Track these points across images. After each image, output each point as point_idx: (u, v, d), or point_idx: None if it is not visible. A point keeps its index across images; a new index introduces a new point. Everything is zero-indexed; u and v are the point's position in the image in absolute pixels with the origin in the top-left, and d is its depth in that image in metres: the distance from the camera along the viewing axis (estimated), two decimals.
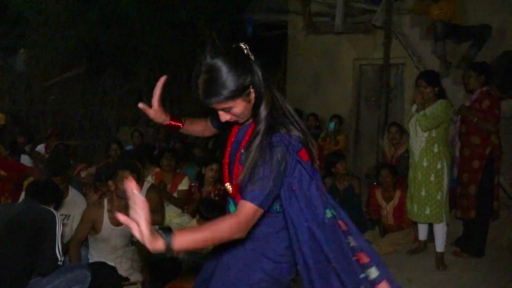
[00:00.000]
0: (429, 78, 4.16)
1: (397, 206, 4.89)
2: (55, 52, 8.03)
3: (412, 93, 5.22)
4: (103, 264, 3.69)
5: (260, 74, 1.70)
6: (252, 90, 1.69)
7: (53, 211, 3.08)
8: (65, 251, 3.77)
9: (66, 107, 8.29)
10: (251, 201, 1.61)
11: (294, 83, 7.96)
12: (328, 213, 1.77)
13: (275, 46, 8.53)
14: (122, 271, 3.71)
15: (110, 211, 3.70)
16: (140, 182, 4.34)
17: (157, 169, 5.27)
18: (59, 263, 3.03)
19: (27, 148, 6.65)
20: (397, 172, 5.01)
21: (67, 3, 7.75)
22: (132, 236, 3.72)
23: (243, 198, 1.63)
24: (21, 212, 3.00)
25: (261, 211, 1.64)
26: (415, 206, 4.31)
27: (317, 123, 7.21)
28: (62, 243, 3.11)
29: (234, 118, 1.75)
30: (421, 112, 4.06)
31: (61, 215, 4.07)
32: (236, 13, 8.02)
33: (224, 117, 1.74)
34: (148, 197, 4.30)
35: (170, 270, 3.88)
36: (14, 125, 7.40)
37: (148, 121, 8.07)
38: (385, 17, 5.76)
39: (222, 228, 1.59)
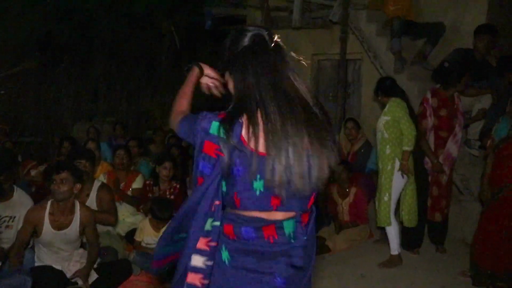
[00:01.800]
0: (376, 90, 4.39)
1: (353, 203, 4.94)
2: (5, 44, 7.69)
3: (369, 89, 5.29)
4: (49, 267, 3.53)
5: (252, 73, 1.57)
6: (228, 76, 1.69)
7: None
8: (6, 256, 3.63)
9: (18, 102, 7.96)
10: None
11: None
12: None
13: None
14: (70, 274, 3.57)
15: (52, 213, 3.53)
16: (89, 180, 4.20)
17: (108, 167, 5.13)
18: None
19: None
20: (352, 168, 5.04)
21: None
22: (78, 239, 3.62)
23: None
24: None
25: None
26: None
27: None
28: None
29: None
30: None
31: (5, 216, 3.93)
32: (194, 7, 7.86)
33: None
34: (99, 196, 4.16)
35: (121, 271, 3.78)
36: None
37: (105, 117, 7.88)
38: (341, 12, 5.76)
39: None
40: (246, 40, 1.66)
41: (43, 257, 3.60)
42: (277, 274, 1.59)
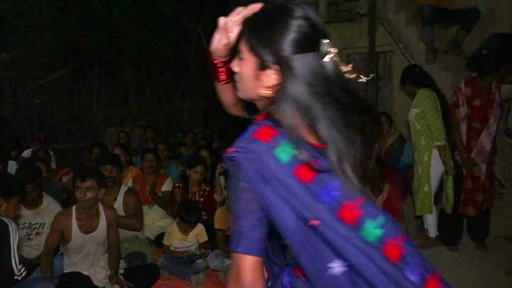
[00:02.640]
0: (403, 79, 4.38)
1: (387, 200, 4.72)
2: (38, 54, 7.88)
3: None
4: (77, 273, 3.54)
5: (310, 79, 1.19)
6: (272, 71, 1.22)
7: (5, 220, 2.86)
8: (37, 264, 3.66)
9: (52, 110, 8.14)
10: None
11: None
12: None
13: None
14: (97, 281, 3.57)
15: (79, 219, 3.55)
16: (116, 185, 4.21)
17: (137, 171, 5.12)
18: (16, 277, 2.79)
19: (13, 154, 6.53)
20: (384, 164, 4.84)
21: (48, 4, 7.58)
22: (105, 240, 3.62)
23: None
24: None
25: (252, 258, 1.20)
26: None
27: None
28: (20, 255, 2.92)
29: (236, 76, 1.34)
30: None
31: (35, 223, 3.98)
32: (220, 7, 7.81)
33: (233, 64, 1.33)
34: (125, 201, 4.16)
35: (149, 275, 3.75)
36: (0, 130, 7.27)
37: (136, 121, 7.95)
38: (369, 3, 5.55)
39: None
40: (293, 29, 1.20)
41: (72, 264, 3.62)
42: None
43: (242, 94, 1.34)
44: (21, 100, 8.09)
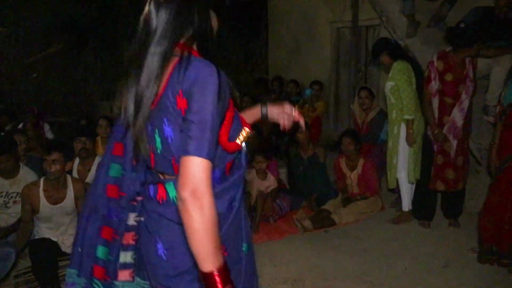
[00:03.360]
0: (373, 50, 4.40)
1: (361, 175, 4.75)
2: (33, 29, 7.97)
3: None
4: (44, 239, 3.65)
5: None
6: None
7: None
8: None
9: (48, 84, 8.26)
10: None
11: (276, 50, 7.74)
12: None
13: (256, 13, 8.25)
14: (65, 247, 3.68)
15: (46, 190, 3.65)
16: (90, 156, 4.31)
17: None
18: None
19: (8, 128, 6.65)
20: (361, 139, 4.83)
21: None
22: (74, 210, 3.73)
23: None
24: None
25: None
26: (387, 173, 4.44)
27: (298, 90, 7.02)
28: None
29: None
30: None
31: (12, 192, 4.11)
32: None
33: None
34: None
35: None
36: None
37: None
38: None
39: None
40: None
41: (41, 232, 3.74)
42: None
43: None
44: (18, 75, 8.22)
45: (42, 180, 3.70)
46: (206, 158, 1.26)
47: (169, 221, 1.42)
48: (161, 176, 1.47)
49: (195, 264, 1.28)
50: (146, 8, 1.38)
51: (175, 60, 1.35)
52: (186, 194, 1.23)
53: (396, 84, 4.11)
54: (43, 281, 3.26)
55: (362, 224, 4.54)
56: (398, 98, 4.15)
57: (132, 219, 1.62)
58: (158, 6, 1.38)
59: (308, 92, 6.58)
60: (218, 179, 1.45)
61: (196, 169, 1.25)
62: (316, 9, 6.67)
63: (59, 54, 8.25)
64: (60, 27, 8.07)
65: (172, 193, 1.42)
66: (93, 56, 8.38)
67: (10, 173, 4.08)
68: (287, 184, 5.38)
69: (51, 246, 3.61)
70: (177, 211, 1.28)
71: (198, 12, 1.43)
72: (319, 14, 6.68)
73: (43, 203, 3.63)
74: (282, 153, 5.84)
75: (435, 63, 3.97)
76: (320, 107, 6.59)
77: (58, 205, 3.65)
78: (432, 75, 3.97)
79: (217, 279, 1.23)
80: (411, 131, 4.11)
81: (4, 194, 4.07)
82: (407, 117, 4.07)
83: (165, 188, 1.44)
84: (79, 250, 1.66)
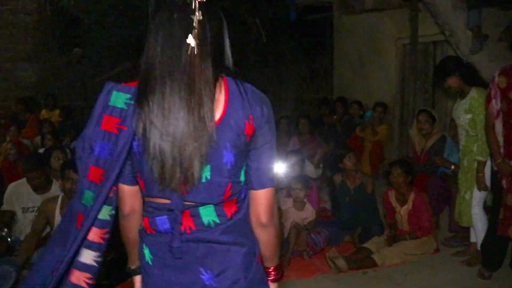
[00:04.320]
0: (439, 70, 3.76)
1: (412, 211, 4.14)
2: (105, 49, 8.34)
3: None
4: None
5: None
6: None
7: None
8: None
9: None
10: None
11: (341, 69, 7.29)
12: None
13: (322, 31, 7.87)
14: None
15: (62, 208, 3.61)
16: None
17: None
18: None
19: (74, 143, 6.91)
20: (412, 170, 4.23)
21: (114, 2, 7.96)
22: None
23: None
24: None
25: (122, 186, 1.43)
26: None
27: (361, 112, 6.52)
28: None
29: None
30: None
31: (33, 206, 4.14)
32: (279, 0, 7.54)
33: None
34: None
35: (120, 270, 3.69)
36: (67, 120, 7.79)
37: None
38: None
39: None
40: None
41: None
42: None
43: None
44: (90, 92, 8.63)
45: (60, 197, 3.68)
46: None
47: (222, 245, 1.35)
48: (190, 203, 1.32)
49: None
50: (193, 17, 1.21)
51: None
52: (269, 221, 1.38)
53: (474, 118, 3.54)
54: None
55: (409, 267, 3.93)
56: (480, 131, 3.53)
57: (89, 258, 1.43)
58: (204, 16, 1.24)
59: (368, 114, 6.06)
60: None
61: (273, 198, 1.40)
62: (381, 25, 6.15)
63: (126, 73, 8.54)
64: (128, 47, 8.35)
65: (209, 217, 1.34)
66: None
67: (43, 189, 4.15)
68: (332, 216, 4.90)
69: None
70: (229, 232, 1.35)
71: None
72: (384, 30, 6.15)
73: (57, 220, 3.60)
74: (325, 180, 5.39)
75: (496, 79, 3.30)
76: (383, 131, 6.02)
77: None
78: (493, 93, 3.30)
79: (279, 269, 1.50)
80: (481, 174, 3.52)
81: (35, 209, 4.13)
82: (480, 158, 3.50)
83: (195, 215, 1.33)
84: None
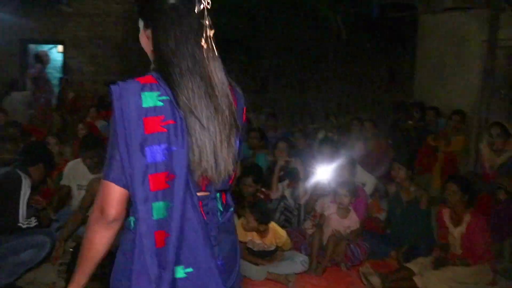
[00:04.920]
0: None
1: (465, 234, 3.71)
2: None
3: None
4: None
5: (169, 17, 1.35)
6: (143, 24, 1.43)
7: (22, 174, 3.25)
8: None
9: None
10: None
11: (422, 71, 6.78)
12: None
13: (404, 29, 7.36)
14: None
15: None
16: None
17: None
18: (19, 224, 3.21)
19: None
20: (470, 188, 3.78)
21: None
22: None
23: None
24: None
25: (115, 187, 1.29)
26: None
27: (438, 119, 6.04)
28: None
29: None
30: None
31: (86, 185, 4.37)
32: None
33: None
34: None
35: None
36: None
37: (261, 107, 7.99)
38: None
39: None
40: None
41: None
42: None
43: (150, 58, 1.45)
44: None
45: None
46: None
47: (229, 233, 1.48)
48: (204, 194, 1.40)
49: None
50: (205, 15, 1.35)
51: None
52: None
53: None
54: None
55: None
56: None
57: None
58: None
59: (442, 122, 5.57)
60: None
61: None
62: (464, 25, 5.60)
63: None
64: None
65: (213, 206, 1.42)
66: (238, 68, 8.63)
67: (96, 169, 4.37)
68: (383, 228, 4.57)
69: None
70: (231, 219, 1.48)
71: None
72: (468, 31, 5.59)
73: None
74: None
75: None
76: (459, 142, 5.51)
77: None
78: None
79: None
80: None
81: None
82: None
83: (205, 204, 1.39)
84: None
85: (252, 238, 3.82)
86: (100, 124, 6.86)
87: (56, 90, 8.76)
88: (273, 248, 3.83)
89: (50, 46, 10.16)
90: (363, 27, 7.44)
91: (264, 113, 7.71)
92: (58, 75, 9.91)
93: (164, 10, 1.35)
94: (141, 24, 1.45)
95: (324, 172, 4.54)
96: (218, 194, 1.42)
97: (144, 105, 1.27)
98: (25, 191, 3.27)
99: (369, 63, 7.80)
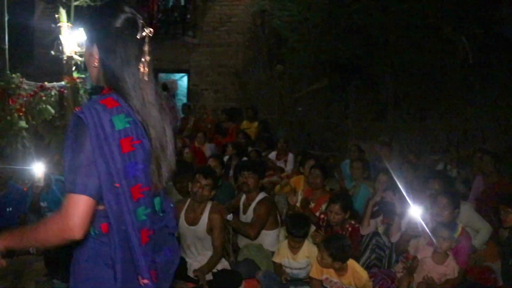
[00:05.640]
0: None
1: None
2: (303, 66, 8.57)
3: None
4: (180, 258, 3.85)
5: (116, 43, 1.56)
6: (93, 49, 1.60)
7: None
8: None
9: (311, 118, 8.70)
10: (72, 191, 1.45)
11: None
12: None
13: None
14: (190, 272, 3.78)
15: (188, 210, 3.88)
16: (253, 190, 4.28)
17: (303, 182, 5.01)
18: None
19: (264, 154, 7.34)
20: None
21: (318, 22, 8.14)
22: (206, 237, 3.77)
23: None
24: None
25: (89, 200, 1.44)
26: None
27: None
28: None
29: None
30: None
31: None
32: (488, 13, 6.34)
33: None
34: (257, 207, 4.19)
35: (228, 281, 3.70)
36: (264, 132, 8.30)
37: (377, 136, 7.55)
38: None
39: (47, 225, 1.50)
40: (119, 22, 1.58)
41: (182, 249, 3.94)
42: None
43: (91, 77, 1.67)
44: (286, 107, 9.01)
45: (189, 199, 3.94)
46: None
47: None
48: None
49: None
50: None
51: None
52: None
53: None
54: None
55: None
56: None
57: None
58: None
59: None
60: None
61: None
62: None
63: (322, 91, 8.60)
64: (325, 65, 8.40)
65: (158, 206, 1.71)
66: (355, 95, 8.34)
67: (184, 193, 4.52)
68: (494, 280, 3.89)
69: (181, 265, 3.77)
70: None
71: None
72: None
73: (182, 220, 3.88)
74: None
75: None
76: None
77: (192, 227, 3.83)
78: None
79: None
80: None
81: None
82: None
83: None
84: None
85: (329, 277, 3.56)
86: (209, 147, 7.17)
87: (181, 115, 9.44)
88: None
89: (182, 75, 11.07)
90: (493, 48, 6.60)
91: (379, 142, 7.29)
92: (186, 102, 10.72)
93: (110, 32, 1.55)
94: (87, 43, 1.64)
95: (424, 209, 4.07)
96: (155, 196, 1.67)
97: (117, 128, 1.47)
98: None
99: (500, 88, 6.89)
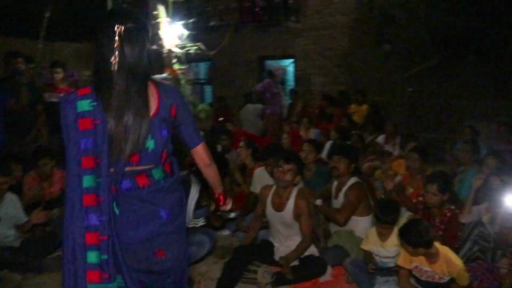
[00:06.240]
0: None
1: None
2: (413, 44, 8.01)
3: None
4: (268, 242, 3.97)
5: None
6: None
7: (193, 180, 3.60)
8: None
9: (422, 99, 8.13)
10: None
11: None
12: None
13: None
14: (277, 257, 3.83)
15: (274, 195, 3.91)
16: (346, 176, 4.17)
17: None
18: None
19: (370, 138, 7.08)
20: None
21: None
22: (293, 223, 3.78)
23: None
24: None
25: None
26: None
27: None
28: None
29: None
30: None
31: None
32: None
33: None
34: (348, 193, 4.07)
35: (312, 268, 3.70)
36: (375, 115, 7.96)
37: (495, 116, 6.81)
38: None
39: None
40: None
41: (270, 233, 4.05)
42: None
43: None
44: (398, 87, 8.49)
45: (275, 185, 3.97)
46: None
47: (169, 192, 2.06)
48: (143, 167, 1.98)
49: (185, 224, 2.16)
50: None
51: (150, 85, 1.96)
52: (209, 161, 2.22)
53: None
54: (224, 277, 3.58)
55: None
56: None
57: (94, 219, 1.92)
58: None
59: None
60: None
61: (206, 148, 2.20)
62: None
63: (434, 69, 7.96)
64: (437, 40, 7.75)
65: (158, 175, 2.03)
66: (472, 71, 7.55)
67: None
68: None
69: (267, 249, 3.87)
70: (174, 183, 2.10)
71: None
72: None
73: (268, 206, 3.94)
74: None
75: None
76: None
77: (278, 213, 3.85)
78: None
79: (224, 196, 2.45)
80: None
81: None
82: None
83: (149, 175, 2.00)
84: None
85: (419, 265, 3.34)
86: (314, 132, 7.11)
87: (288, 101, 9.47)
88: (446, 279, 3.24)
89: (290, 60, 11.10)
90: None
91: (497, 121, 6.59)
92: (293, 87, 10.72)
93: (101, 32, 1.85)
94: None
95: None
96: (152, 168, 1.99)
97: (78, 110, 1.85)
98: (194, 196, 3.59)
99: None
